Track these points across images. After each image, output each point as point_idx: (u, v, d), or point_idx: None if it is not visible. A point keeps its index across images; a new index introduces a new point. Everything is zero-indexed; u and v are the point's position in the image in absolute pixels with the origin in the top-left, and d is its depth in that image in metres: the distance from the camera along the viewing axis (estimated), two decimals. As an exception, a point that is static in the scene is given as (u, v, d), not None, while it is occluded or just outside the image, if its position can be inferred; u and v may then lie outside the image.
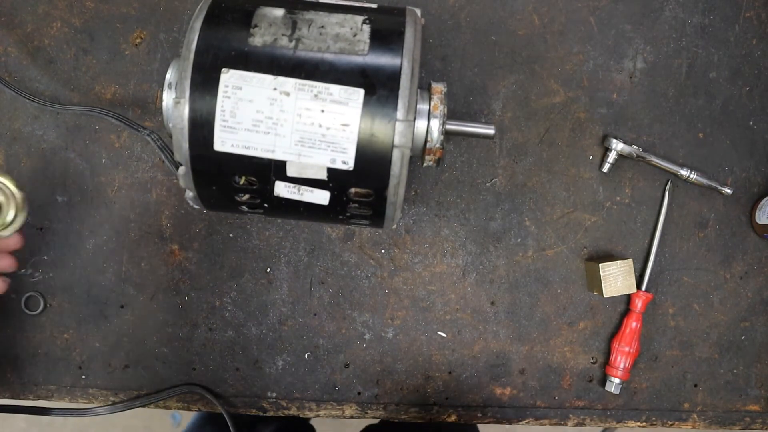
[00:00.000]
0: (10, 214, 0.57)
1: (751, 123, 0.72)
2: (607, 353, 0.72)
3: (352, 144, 0.50)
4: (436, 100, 0.56)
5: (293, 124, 0.50)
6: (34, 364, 0.70)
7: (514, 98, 0.71)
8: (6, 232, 0.57)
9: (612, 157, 0.70)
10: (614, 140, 0.69)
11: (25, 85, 0.69)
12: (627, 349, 0.70)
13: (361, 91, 0.50)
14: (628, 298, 0.72)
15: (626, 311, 0.72)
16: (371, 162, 0.51)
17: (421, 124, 0.55)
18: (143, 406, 0.70)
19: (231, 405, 0.71)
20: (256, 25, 0.52)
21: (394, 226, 0.67)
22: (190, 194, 0.56)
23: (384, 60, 0.51)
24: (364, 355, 0.71)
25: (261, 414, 0.73)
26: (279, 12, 0.53)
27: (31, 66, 0.69)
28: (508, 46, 0.70)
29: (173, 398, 0.71)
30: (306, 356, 0.71)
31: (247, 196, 0.55)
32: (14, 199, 0.57)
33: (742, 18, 0.72)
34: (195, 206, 0.58)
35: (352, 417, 0.72)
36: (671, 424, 0.74)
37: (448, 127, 0.58)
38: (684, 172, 0.70)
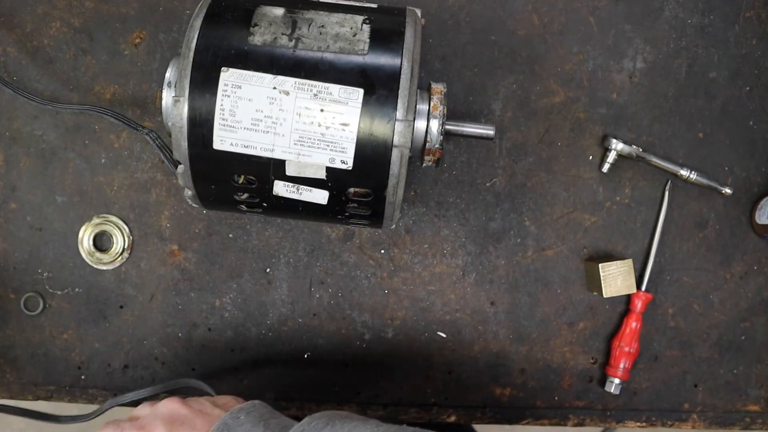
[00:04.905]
0: (119, 249, 0.68)
1: (751, 123, 0.72)
2: (607, 353, 0.72)
3: (352, 144, 0.50)
4: (435, 100, 0.56)
5: (292, 123, 0.50)
6: (33, 365, 0.70)
7: (513, 98, 0.71)
8: (109, 266, 0.69)
9: (612, 157, 0.70)
10: (614, 140, 0.69)
11: (25, 85, 0.69)
12: (627, 349, 0.70)
13: (361, 91, 0.50)
14: (628, 298, 0.72)
15: (626, 311, 0.72)
16: (370, 162, 0.51)
17: (420, 125, 0.55)
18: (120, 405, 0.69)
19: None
20: (256, 24, 0.52)
21: (393, 226, 0.67)
22: (189, 193, 0.56)
23: (384, 60, 0.51)
24: (364, 355, 0.71)
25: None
26: (279, 11, 0.53)
27: (31, 66, 0.69)
28: (507, 46, 0.70)
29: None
30: (305, 356, 0.71)
31: (246, 195, 0.55)
32: (124, 238, 0.69)
33: (742, 18, 0.72)
34: (194, 205, 0.58)
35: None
36: (671, 425, 0.74)
37: (448, 127, 0.58)
38: (684, 172, 0.70)
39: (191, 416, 0.53)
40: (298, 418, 0.53)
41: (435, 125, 0.55)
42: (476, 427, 0.92)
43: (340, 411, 0.55)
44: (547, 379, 0.72)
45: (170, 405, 0.55)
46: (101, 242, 0.70)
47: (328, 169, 0.51)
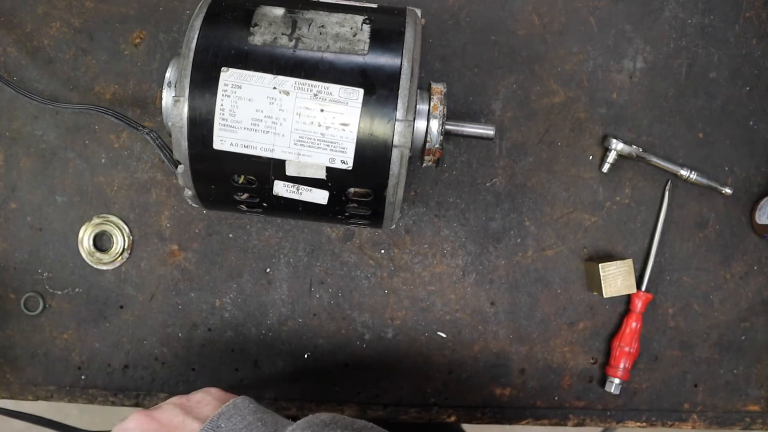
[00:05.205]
0: (119, 249, 0.68)
1: (751, 123, 0.72)
2: (607, 353, 0.72)
3: (352, 144, 0.50)
4: (435, 100, 0.56)
5: (292, 123, 0.50)
6: (33, 365, 0.70)
7: (514, 98, 0.71)
8: (109, 266, 0.69)
9: (612, 157, 0.70)
10: (614, 140, 0.69)
11: (25, 85, 0.69)
12: (627, 349, 0.70)
13: (361, 91, 0.50)
14: (628, 298, 0.72)
15: (626, 311, 0.72)
16: (370, 162, 0.51)
17: (420, 125, 0.55)
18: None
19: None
20: (256, 24, 0.52)
21: (393, 226, 0.67)
22: (189, 193, 0.56)
23: (384, 60, 0.51)
24: (364, 355, 0.71)
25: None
26: (279, 11, 0.53)
27: (31, 66, 0.69)
28: (508, 46, 0.70)
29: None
30: (305, 356, 0.71)
31: (246, 195, 0.55)
32: (124, 238, 0.68)
33: (742, 18, 0.72)
34: (194, 205, 0.58)
35: (351, 417, 0.72)
36: (671, 425, 0.74)
37: (448, 127, 0.58)
38: (684, 172, 0.70)
39: None
40: (296, 418, 0.52)
41: (435, 125, 0.55)
42: (477, 427, 0.92)
43: (325, 415, 0.51)
44: (547, 379, 0.72)
45: (137, 420, 0.50)
46: (101, 242, 0.70)
47: (328, 169, 0.51)
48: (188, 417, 0.50)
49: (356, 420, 0.51)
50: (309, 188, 0.53)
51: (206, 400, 0.52)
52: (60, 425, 0.61)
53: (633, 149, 0.70)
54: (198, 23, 0.52)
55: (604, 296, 0.69)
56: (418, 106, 0.55)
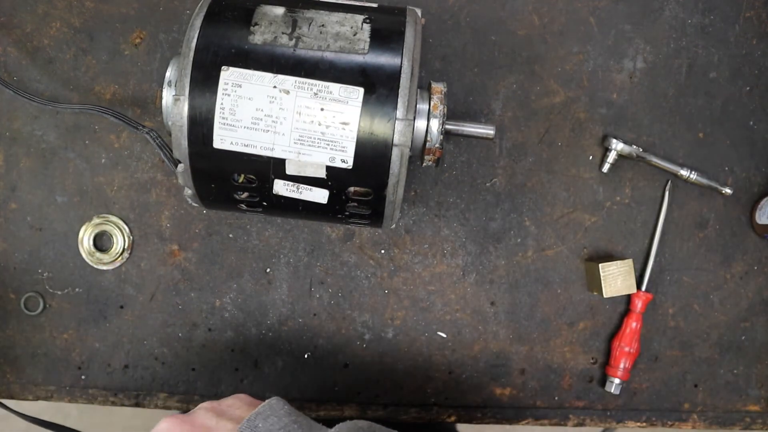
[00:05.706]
0: (119, 249, 0.68)
1: (751, 123, 0.72)
2: (607, 353, 0.72)
3: (352, 143, 0.50)
4: (435, 99, 0.56)
5: (293, 122, 0.50)
6: (33, 365, 0.70)
7: (514, 98, 0.71)
8: (109, 266, 0.69)
9: (612, 157, 0.70)
10: (614, 140, 0.69)
11: (25, 86, 0.69)
12: (627, 349, 0.70)
13: (361, 90, 0.50)
14: (628, 298, 0.72)
15: (626, 311, 0.72)
16: (370, 161, 0.51)
17: (420, 124, 0.55)
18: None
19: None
20: (256, 23, 0.52)
21: (393, 226, 0.67)
22: (188, 192, 0.56)
23: (384, 59, 0.51)
24: (364, 356, 0.71)
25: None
26: (279, 10, 0.53)
27: (31, 66, 0.69)
28: (508, 46, 0.70)
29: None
30: (305, 356, 0.71)
31: (246, 195, 0.55)
32: (124, 237, 0.69)
33: (742, 18, 0.72)
34: (194, 204, 0.58)
35: (351, 417, 0.72)
36: (671, 425, 0.74)
37: (448, 127, 0.58)
38: (684, 172, 0.70)
39: None
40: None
41: (435, 125, 0.55)
42: (477, 427, 0.92)
43: (362, 422, 0.51)
44: (547, 379, 0.72)
45: (170, 423, 0.50)
46: (101, 242, 0.70)
47: (328, 168, 0.51)
48: (222, 419, 0.50)
49: (391, 430, 0.51)
50: (309, 187, 0.53)
51: (237, 404, 0.52)
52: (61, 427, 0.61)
53: (633, 149, 0.70)
54: (198, 22, 0.52)
55: (604, 296, 0.69)
56: (418, 106, 0.55)
